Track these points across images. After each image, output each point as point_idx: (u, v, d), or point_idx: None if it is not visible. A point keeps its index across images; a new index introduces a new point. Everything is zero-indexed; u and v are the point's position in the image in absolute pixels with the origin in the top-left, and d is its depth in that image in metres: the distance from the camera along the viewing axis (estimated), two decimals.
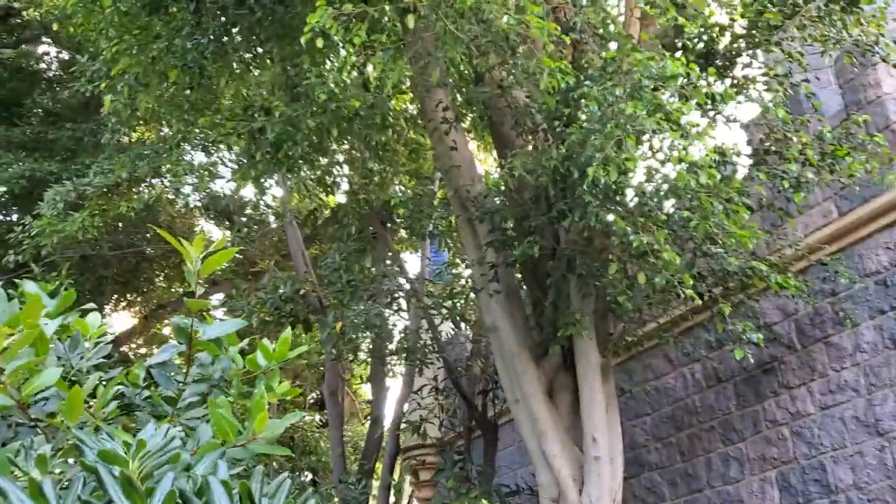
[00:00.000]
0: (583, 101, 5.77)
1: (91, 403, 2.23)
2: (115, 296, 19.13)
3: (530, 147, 6.91)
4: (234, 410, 2.13)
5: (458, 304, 11.12)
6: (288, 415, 1.93)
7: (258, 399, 1.90)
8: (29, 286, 2.38)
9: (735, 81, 6.43)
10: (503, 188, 7.37)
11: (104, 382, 2.25)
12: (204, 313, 2.52)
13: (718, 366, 9.30)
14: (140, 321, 19.98)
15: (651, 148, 6.24)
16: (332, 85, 7.47)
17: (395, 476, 14.22)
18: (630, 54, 5.72)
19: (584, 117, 5.69)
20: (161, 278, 19.60)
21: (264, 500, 1.31)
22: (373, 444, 13.83)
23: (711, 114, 6.42)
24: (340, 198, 15.71)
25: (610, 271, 6.20)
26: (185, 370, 2.24)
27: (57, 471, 1.66)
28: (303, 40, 5.84)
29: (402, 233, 15.67)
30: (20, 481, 1.41)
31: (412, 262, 16.62)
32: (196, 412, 2.27)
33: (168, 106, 10.37)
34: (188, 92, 9.59)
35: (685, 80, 5.70)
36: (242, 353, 2.51)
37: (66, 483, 1.50)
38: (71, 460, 1.72)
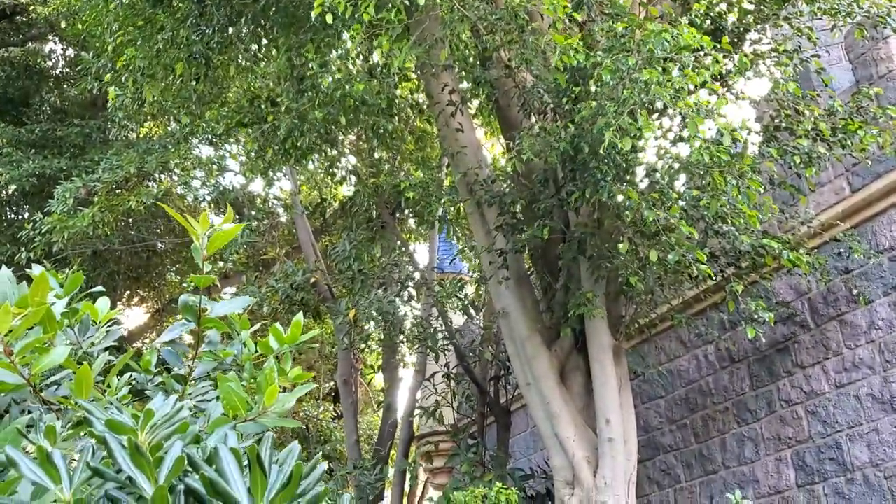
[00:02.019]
0: (595, 72, 5.72)
1: (104, 390, 2.23)
2: (128, 291, 19.24)
3: (537, 128, 6.86)
4: (245, 389, 2.12)
5: (467, 293, 11.10)
6: (298, 387, 1.92)
7: (268, 373, 1.88)
8: (36, 269, 2.37)
9: (744, 57, 6.35)
10: (511, 171, 7.33)
11: (113, 362, 2.25)
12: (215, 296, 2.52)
13: (732, 347, 9.25)
14: (152, 316, 20.09)
15: (661, 126, 6.19)
16: (337, 73, 7.44)
17: (410, 462, 14.25)
18: (642, 26, 5.67)
19: (595, 89, 5.64)
20: (173, 273, 19.69)
21: (273, 466, 1.30)
22: (387, 432, 13.87)
23: (722, 90, 6.35)
24: (348, 189, 15.72)
25: (621, 249, 6.16)
26: (194, 348, 2.23)
27: (67, 446, 1.65)
28: (313, 14, 5.83)
29: (411, 223, 15.68)
30: (30, 453, 1.40)
31: (421, 252, 16.62)
32: (205, 388, 2.27)
33: (175, 98, 10.37)
34: (195, 83, 9.58)
35: (698, 53, 5.65)
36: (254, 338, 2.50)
37: (77, 456, 1.50)
38: (81, 435, 1.71)
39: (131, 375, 2.53)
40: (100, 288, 2.74)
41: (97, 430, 1.37)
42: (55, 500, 1.27)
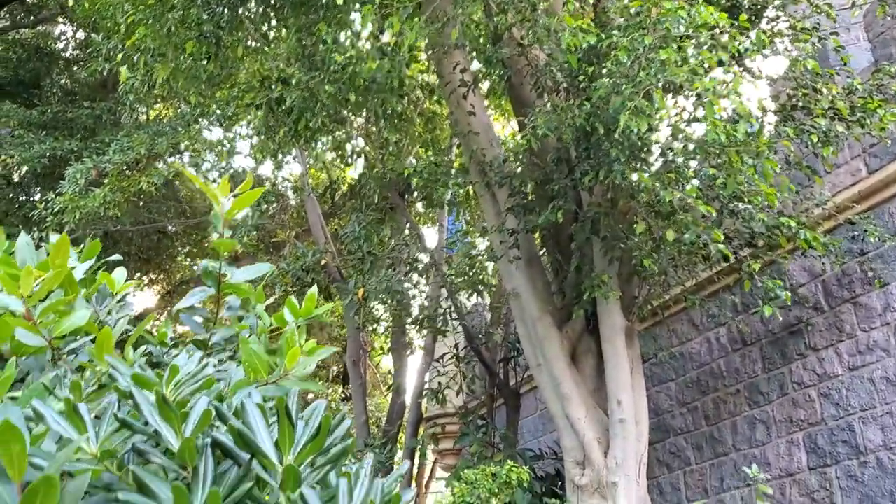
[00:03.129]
0: (611, 52, 5.67)
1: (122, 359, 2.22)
2: (138, 273, 19.31)
3: (550, 107, 6.81)
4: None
5: (478, 273, 11.08)
6: (320, 350, 1.90)
7: (289, 336, 1.87)
8: (53, 236, 2.36)
9: (762, 34, 6.26)
10: (524, 151, 7.28)
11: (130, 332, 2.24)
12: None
13: (745, 328, 9.21)
14: (162, 298, 20.18)
15: (677, 105, 6.13)
16: (351, 49, 7.40)
17: (419, 442, 14.30)
18: (658, 3, 5.61)
19: (610, 68, 5.58)
20: (183, 255, 19.75)
21: (299, 422, 1.28)
22: (396, 412, 13.92)
23: (738, 69, 6.27)
24: (358, 171, 15.69)
25: (637, 230, 6.11)
26: (213, 314, 2.21)
27: (91, 407, 1.64)
28: None
29: (419, 206, 15.66)
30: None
31: (431, 234, 16.61)
32: (224, 358, 2.26)
33: (185, 79, 10.35)
34: (205, 63, 9.55)
35: (715, 31, 5.58)
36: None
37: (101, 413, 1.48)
38: (104, 396, 1.70)
39: (146, 348, 2.53)
40: (117, 257, 2.73)
41: (122, 386, 1.35)
42: (81, 453, 1.26)
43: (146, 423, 1.27)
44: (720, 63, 5.56)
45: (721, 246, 5.90)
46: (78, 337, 2.22)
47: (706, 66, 5.37)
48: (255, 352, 1.78)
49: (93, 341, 1.98)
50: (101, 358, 1.88)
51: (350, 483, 1.18)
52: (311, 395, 19.76)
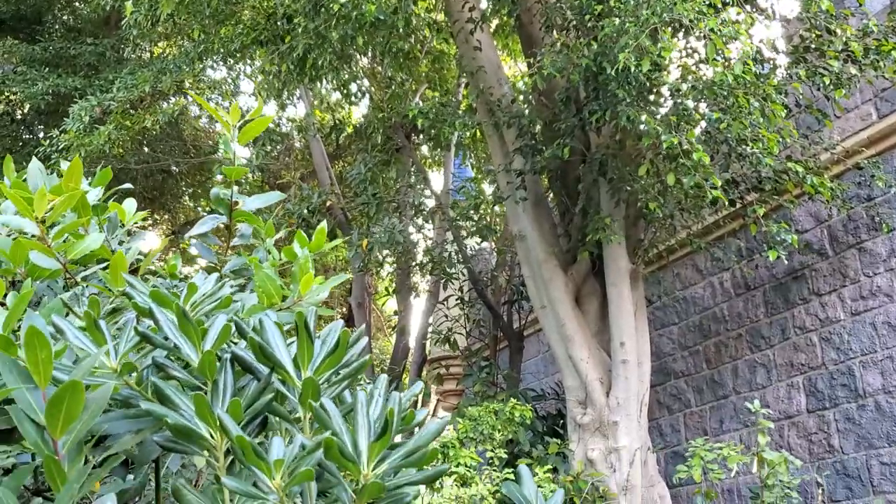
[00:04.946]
0: None
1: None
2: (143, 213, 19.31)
3: (559, 46, 6.70)
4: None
5: (484, 215, 11.07)
6: (333, 278, 1.92)
7: (303, 263, 1.89)
8: (64, 164, 2.37)
9: None
10: (532, 89, 7.19)
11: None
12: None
13: (750, 272, 9.24)
14: (167, 237, 20.23)
15: (688, 45, 6.03)
16: None
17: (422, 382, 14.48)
18: None
19: (617, 6, 5.47)
20: (188, 195, 19.73)
21: (317, 340, 1.30)
22: (400, 353, 14.07)
23: (750, 8, 6.16)
24: (363, 111, 15.57)
25: (640, 172, 6.09)
26: (225, 241, 2.23)
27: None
28: None
29: (425, 149, 15.55)
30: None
31: (436, 178, 16.53)
32: (235, 287, 2.27)
33: (189, 14, 10.20)
34: None
35: None
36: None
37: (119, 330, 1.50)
38: (119, 318, 1.73)
39: (155, 285, 2.55)
40: (128, 186, 2.73)
41: (140, 302, 1.37)
42: (101, 367, 1.28)
43: (165, 339, 1.29)
44: (724, 4, 5.44)
45: (718, 192, 5.87)
46: (88, 265, 2.24)
47: (714, 5, 5.25)
48: (269, 276, 1.80)
49: (105, 268, 2.00)
50: (115, 280, 1.90)
51: (368, 396, 1.20)
52: None
